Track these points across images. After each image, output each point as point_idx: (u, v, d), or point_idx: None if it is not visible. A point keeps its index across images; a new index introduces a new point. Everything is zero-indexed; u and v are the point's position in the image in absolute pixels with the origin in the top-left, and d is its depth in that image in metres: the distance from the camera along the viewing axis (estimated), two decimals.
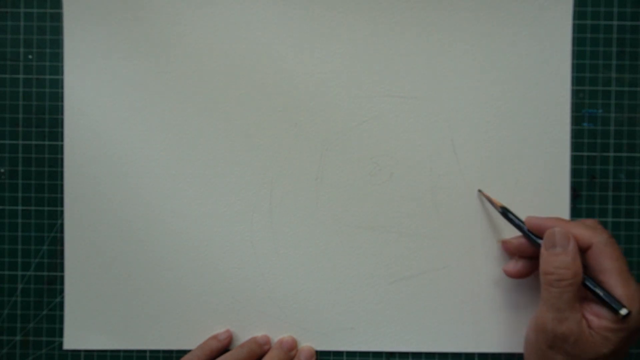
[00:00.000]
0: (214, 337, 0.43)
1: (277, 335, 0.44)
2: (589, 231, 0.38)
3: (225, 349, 0.43)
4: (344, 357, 0.44)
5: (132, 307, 0.44)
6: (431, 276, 0.44)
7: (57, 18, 0.44)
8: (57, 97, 0.44)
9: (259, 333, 0.44)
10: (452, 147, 0.44)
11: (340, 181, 0.44)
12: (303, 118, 0.44)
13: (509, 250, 0.42)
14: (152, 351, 0.44)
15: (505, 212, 0.42)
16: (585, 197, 0.44)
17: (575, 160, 0.44)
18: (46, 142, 0.44)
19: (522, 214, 0.43)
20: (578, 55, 0.44)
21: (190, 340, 0.44)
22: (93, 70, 0.44)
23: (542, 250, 0.38)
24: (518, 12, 0.44)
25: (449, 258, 0.44)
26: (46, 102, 0.44)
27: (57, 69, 0.44)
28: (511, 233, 0.42)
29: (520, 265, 0.41)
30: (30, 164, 0.44)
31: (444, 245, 0.44)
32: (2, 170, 0.44)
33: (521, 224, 0.41)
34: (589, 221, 0.39)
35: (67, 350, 0.44)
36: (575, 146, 0.44)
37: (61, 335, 0.44)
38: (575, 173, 0.44)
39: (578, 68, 0.44)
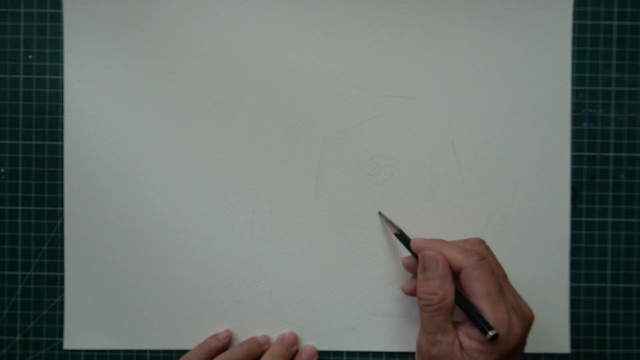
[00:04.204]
0: (214, 337, 0.43)
1: (277, 335, 0.44)
2: (460, 254, 0.37)
3: (224, 349, 0.43)
4: (344, 357, 0.44)
5: (132, 307, 0.44)
6: None
7: (57, 18, 0.44)
8: (57, 97, 0.44)
9: (259, 333, 0.44)
10: (452, 147, 0.44)
11: (340, 181, 0.44)
12: (303, 118, 0.44)
13: (406, 269, 0.42)
14: (152, 351, 0.44)
15: (399, 236, 0.42)
16: (585, 197, 0.44)
17: (575, 160, 0.44)
18: (46, 142, 0.44)
19: (522, 214, 0.43)
20: (578, 55, 0.44)
21: (190, 340, 0.44)
22: (93, 70, 0.44)
23: (418, 274, 0.39)
24: (518, 12, 0.44)
25: None
26: (46, 102, 0.44)
27: (57, 69, 0.44)
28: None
29: (414, 284, 0.41)
30: (30, 164, 0.44)
31: None
32: (2, 170, 0.44)
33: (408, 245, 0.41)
34: (471, 242, 0.39)
35: (67, 350, 0.44)
36: (575, 146, 0.44)
37: (61, 335, 0.44)
38: (575, 173, 0.44)
39: (578, 68, 0.44)
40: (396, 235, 0.42)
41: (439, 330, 0.37)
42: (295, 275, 0.44)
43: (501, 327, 0.35)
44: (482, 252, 0.38)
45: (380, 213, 0.44)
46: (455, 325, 0.37)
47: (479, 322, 0.35)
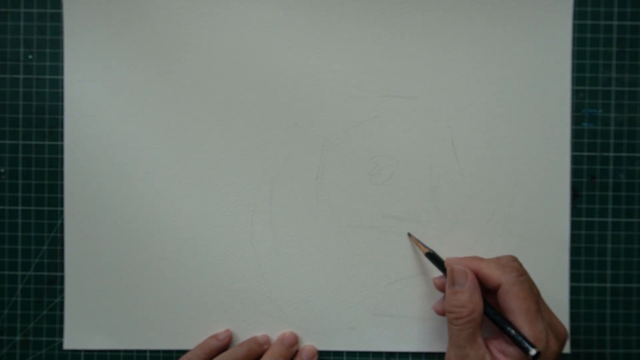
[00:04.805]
0: (214, 337, 0.43)
1: (277, 335, 0.44)
2: (498, 270, 0.37)
3: (224, 349, 0.43)
4: (344, 357, 0.44)
5: (132, 307, 0.44)
6: (431, 276, 0.44)
7: (57, 18, 0.44)
8: (57, 97, 0.44)
9: (259, 333, 0.44)
10: (452, 147, 0.44)
11: (340, 181, 0.44)
12: (303, 118, 0.44)
13: (438, 289, 0.42)
14: (152, 351, 0.44)
15: (430, 255, 0.42)
16: (585, 197, 0.44)
17: (575, 160, 0.44)
18: (46, 142, 0.44)
19: (522, 214, 0.43)
20: (578, 55, 0.44)
21: (190, 340, 0.44)
22: (93, 70, 0.44)
23: (446, 288, 0.39)
24: (518, 12, 0.44)
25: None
26: (46, 102, 0.44)
27: (57, 69, 0.44)
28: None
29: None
30: (30, 164, 0.44)
31: (443, 245, 0.44)
32: (2, 170, 0.44)
33: (441, 264, 0.41)
34: (505, 259, 0.39)
35: (67, 350, 0.44)
36: (575, 146, 0.44)
37: (61, 335, 0.44)
38: (575, 173, 0.44)
39: (578, 68, 0.44)
40: (427, 255, 0.42)
41: (469, 344, 0.36)
42: (295, 275, 0.44)
43: (539, 345, 0.35)
44: (520, 269, 0.38)
45: (409, 234, 0.43)
46: (485, 340, 0.37)
47: (519, 340, 0.35)
